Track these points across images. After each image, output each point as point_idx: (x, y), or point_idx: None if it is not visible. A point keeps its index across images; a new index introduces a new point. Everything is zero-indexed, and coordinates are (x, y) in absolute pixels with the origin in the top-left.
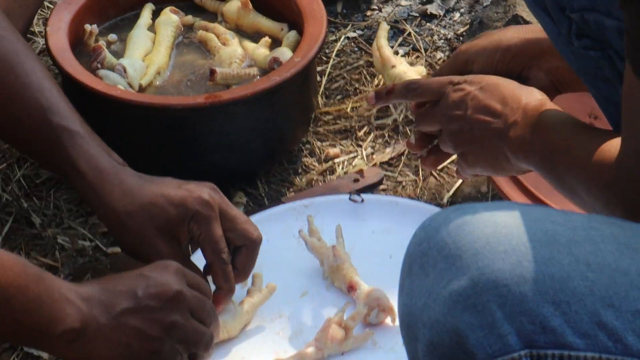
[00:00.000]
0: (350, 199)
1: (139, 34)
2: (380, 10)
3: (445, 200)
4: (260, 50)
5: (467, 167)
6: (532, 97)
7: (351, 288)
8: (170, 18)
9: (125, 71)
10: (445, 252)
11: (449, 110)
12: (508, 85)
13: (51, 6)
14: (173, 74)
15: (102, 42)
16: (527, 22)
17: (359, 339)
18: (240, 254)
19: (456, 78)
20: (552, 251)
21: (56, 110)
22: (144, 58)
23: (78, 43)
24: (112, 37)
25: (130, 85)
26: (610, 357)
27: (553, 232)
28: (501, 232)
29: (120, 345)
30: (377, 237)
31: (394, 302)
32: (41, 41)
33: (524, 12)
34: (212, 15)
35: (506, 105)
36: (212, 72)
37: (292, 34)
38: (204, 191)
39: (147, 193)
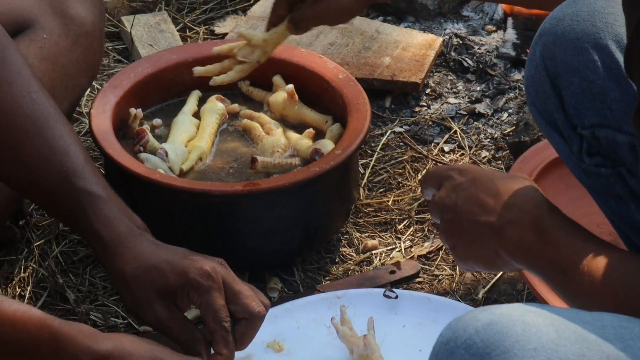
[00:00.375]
0: (384, 294)
1: (183, 120)
2: (428, 107)
3: (480, 295)
4: (304, 141)
5: (460, 261)
6: (529, 194)
7: None
8: (216, 105)
9: (167, 155)
10: (473, 350)
11: (441, 200)
12: (501, 179)
13: (99, 87)
14: (215, 160)
15: (146, 126)
16: None
17: None
18: (240, 325)
19: (454, 167)
20: (582, 348)
21: (80, 174)
22: (187, 143)
23: (122, 126)
24: (157, 121)
25: (171, 169)
26: None
27: (582, 330)
28: (530, 330)
29: None
30: (407, 331)
31: None
32: (87, 122)
33: None
34: (258, 104)
35: (499, 200)
36: (254, 160)
37: (336, 127)
38: (208, 263)
39: (154, 259)
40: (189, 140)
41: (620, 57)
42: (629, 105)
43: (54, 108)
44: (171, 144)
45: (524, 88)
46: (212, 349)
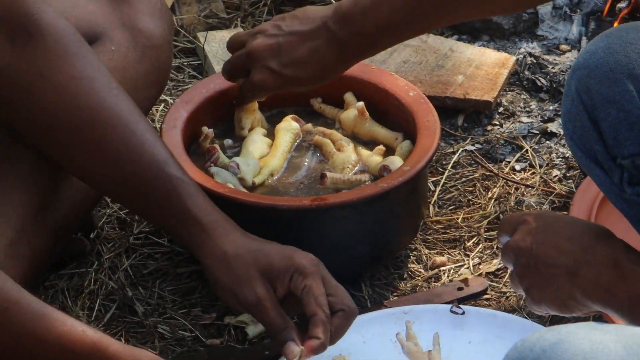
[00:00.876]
0: (451, 310)
1: (255, 139)
2: (501, 125)
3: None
4: (374, 157)
5: (533, 304)
6: (604, 236)
7: None
8: (291, 125)
9: (238, 167)
10: None
11: (516, 243)
12: (577, 223)
13: (172, 102)
14: (286, 176)
15: (216, 145)
16: None
17: None
18: (337, 317)
19: (530, 212)
20: None
21: (171, 163)
22: (260, 160)
23: (192, 141)
24: (228, 142)
25: (243, 181)
26: None
27: None
28: (598, 347)
29: None
30: (473, 348)
31: None
32: None
33: None
34: (330, 122)
35: (574, 243)
36: (323, 176)
37: (406, 144)
38: (308, 254)
39: (256, 243)
40: (261, 158)
41: None
42: None
43: (134, 104)
44: (244, 157)
45: (562, 124)
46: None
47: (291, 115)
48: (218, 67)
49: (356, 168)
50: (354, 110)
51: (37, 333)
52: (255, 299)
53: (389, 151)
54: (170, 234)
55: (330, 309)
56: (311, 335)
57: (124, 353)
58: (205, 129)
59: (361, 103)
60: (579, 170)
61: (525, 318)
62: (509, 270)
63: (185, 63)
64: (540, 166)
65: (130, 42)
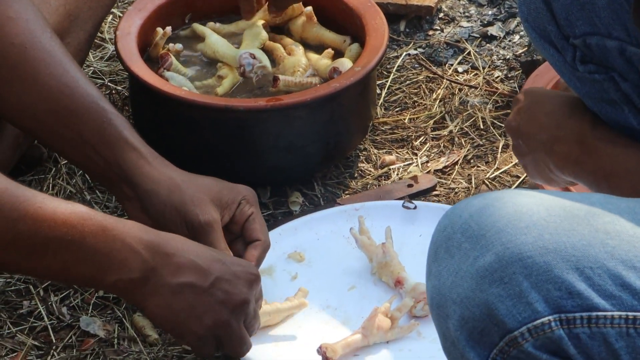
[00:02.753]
0: (403, 205)
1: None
2: (442, 30)
3: None
4: (323, 61)
5: (530, 177)
6: (576, 110)
7: (398, 282)
8: (261, 34)
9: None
10: (469, 233)
11: (509, 123)
12: (556, 96)
13: (121, 15)
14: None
15: (169, 51)
16: None
17: (405, 329)
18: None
19: (523, 90)
20: (572, 223)
21: (105, 100)
22: (223, 68)
23: (145, 48)
24: (179, 46)
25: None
26: (637, 315)
27: (571, 207)
28: (521, 210)
29: (171, 310)
30: (424, 240)
31: None
32: (110, 47)
33: None
34: (279, 30)
35: (551, 118)
36: (275, 79)
37: (355, 47)
38: (250, 188)
39: (199, 177)
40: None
41: None
42: (616, 12)
43: (66, 50)
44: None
45: (517, 6)
46: None
47: (261, 22)
48: None
49: (307, 72)
50: (302, 17)
51: (31, 213)
52: (208, 219)
53: (338, 54)
54: (101, 175)
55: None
56: (249, 256)
57: (113, 219)
58: (160, 29)
59: (309, 8)
60: (520, 71)
61: None
62: None
63: None
64: (483, 68)
65: None
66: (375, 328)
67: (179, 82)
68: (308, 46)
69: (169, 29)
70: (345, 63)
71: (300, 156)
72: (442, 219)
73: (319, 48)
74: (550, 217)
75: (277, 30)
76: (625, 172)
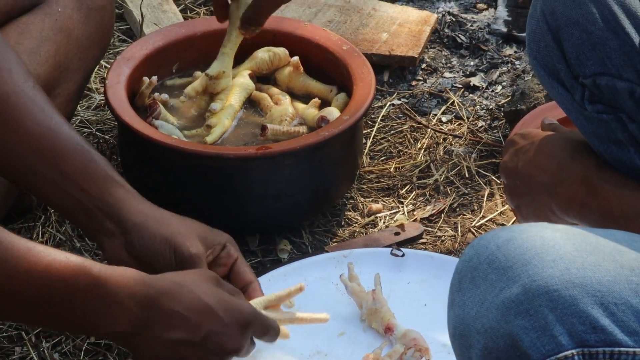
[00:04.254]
0: (391, 253)
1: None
2: (425, 80)
3: None
4: (310, 110)
5: (523, 220)
6: (579, 153)
7: (388, 329)
8: (247, 83)
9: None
10: (496, 264)
11: (505, 164)
12: (556, 138)
13: (108, 66)
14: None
15: (157, 100)
16: None
17: None
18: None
19: (519, 132)
20: (598, 259)
21: (89, 144)
22: (213, 116)
23: (134, 96)
24: (165, 96)
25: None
26: None
27: (597, 243)
28: (549, 244)
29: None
30: (412, 287)
31: (429, 343)
32: (97, 97)
33: None
34: (265, 80)
35: (552, 160)
36: (264, 128)
37: (342, 96)
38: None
39: (186, 217)
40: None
41: (616, 8)
42: (627, 54)
43: (47, 97)
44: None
45: (526, 44)
46: None
47: (248, 72)
48: (148, 30)
49: (294, 121)
50: (289, 67)
51: (25, 268)
52: (197, 252)
53: (324, 104)
54: (83, 214)
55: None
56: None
57: (109, 270)
58: (146, 79)
59: (296, 58)
60: (503, 121)
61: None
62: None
63: (115, 27)
64: (467, 118)
65: (75, 4)
66: None
67: (168, 130)
68: (294, 96)
69: (154, 78)
70: (333, 112)
71: (288, 204)
72: (468, 249)
73: (305, 97)
74: (577, 251)
75: (264, 80)
76: (636, 215)
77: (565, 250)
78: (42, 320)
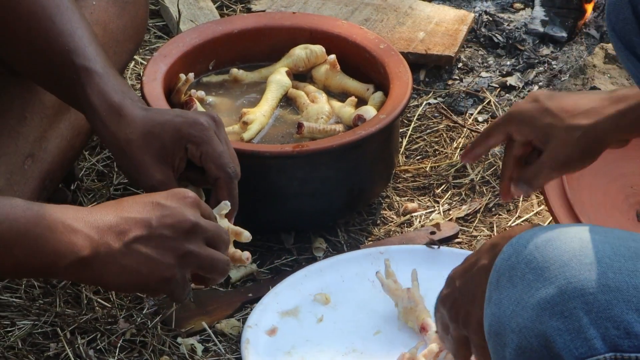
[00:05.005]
0: (427, 244)
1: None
2: (461, 80)
3: None
4: (346, 108)
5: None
6: None
7: (423, 329)
8: (284, 80)
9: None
10: (534, 264)
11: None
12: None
13: (144, 62)
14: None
15: (193, 96)
16: None
17: None
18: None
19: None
20: (636, 264)
21: (81, 52)
22: (249, 112)
23: (170, 93)
24: (201, 93)
25: None
26: None
27: (636, 248)
28: (587, 246)
29: (131, 271)
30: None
31: None
32: None
33: (602, 84)
34: (302, 78)
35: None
36: (300, 126)
37: (378, 95)
38: (200, 117)
39: (147, 122)
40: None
41: None
42: None
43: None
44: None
45: (605, 14)
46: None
47: (285, 69)
48: (185, 27)
49: (331, 120)
50: (325, 65)
51: None
52: (150, 185)
53: (361, 102)
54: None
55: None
56: (219, 199)
57: (49, 205)
58: (183, 75)
59: (333, 56)
60: None
61: None
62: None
63: (151, 24)
64: None
65: None
66: None
67: None
68: (331, 94)
69: (191, 75)
70: (369, 111)
71: (324, 202)
72: (507, 247)
73: (341, 96)
74: (615, 256)
75: (301, 77)
76: None
77: (604, 254)
78: (4, 266)
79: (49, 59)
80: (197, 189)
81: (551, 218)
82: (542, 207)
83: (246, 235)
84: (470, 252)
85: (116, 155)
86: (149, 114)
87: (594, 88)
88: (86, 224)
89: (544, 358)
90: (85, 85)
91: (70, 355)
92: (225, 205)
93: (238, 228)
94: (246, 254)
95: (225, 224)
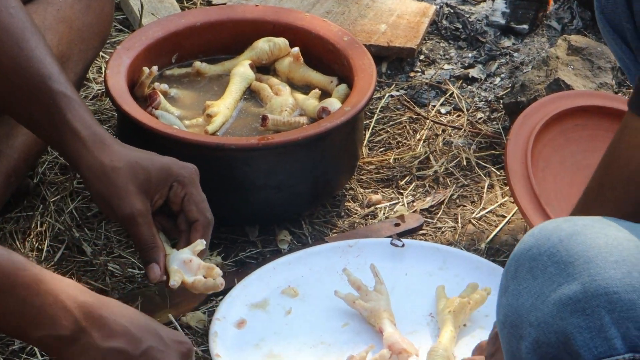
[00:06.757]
0: (391, 243)
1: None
2: (423, 72)
3: (483, 246)
4: (310, 101)
5: None
6: None
7: (380, 331)
8: (247, 73)
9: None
10: (557, 258)
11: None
12: None
13: (105, 56)
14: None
15: (157, 90)
16: (567, 86)
17: None
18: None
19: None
20: None
21: (56, 78)
22: (212, 105)
23: (133, 87)
24: (165, 86)
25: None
26: None
27: None
28: (612, 243)
29: None
30: (415, 279)
31: (415, 341)
32: (95, 87)
33: (566, 75)
34: (265, 71)
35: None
36: (264, 118)
37: (342, 87)
38: (189, 164)
39: (135, 155)
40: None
41: None
42: None
43: (31, 22)
44: None
45: None
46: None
47: (248, 62)
48: (146, 21)
49: (295, 112)
50: (288, 57)
51: None
52: (129, 213)
53: (324, 95)
54: (56, 150)
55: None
56: (192, 240)
57: (48, 273)
58: (146, 69)
59: (296, 49)
60: (502, 112)
61: (462, 250)
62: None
63: None
64: (467, 109)
65: None
66: None
67: (168, 120)
68: (294, 86)
69: (154, 68)
70: (334, 103)
71: (289, 195)
72: (528, 237)
73: (305, 88)
74: None
75: (264, 70)
76: None
77: (629, 253)
78: None
79: (19, 85)
80: (165, 237)
81: (516, 209)
82: (507, 198)
83: (217, 272)
84: (437, 245)
85: (97, 180)
86: (132, 149)
87: (557, 80)
88: (80, 307)
89: (561, 354)
90: (64, 110)
91: (36, 348)
92: (201, 244)
93: (211, 264)
94: (220, 280)
95: (197, 261)
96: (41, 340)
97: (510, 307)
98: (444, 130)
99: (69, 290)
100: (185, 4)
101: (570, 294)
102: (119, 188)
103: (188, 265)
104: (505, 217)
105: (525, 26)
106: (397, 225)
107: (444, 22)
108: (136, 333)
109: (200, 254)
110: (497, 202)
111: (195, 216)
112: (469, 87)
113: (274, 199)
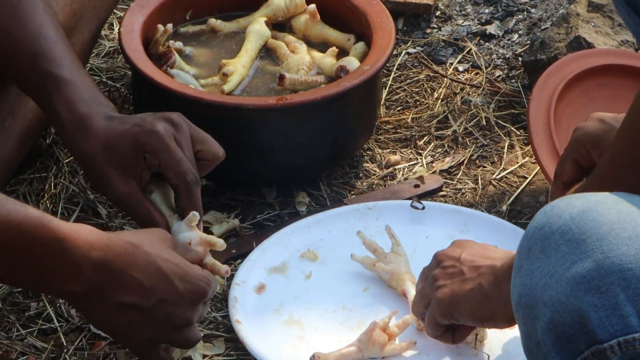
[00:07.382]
0: (411, 205)
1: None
2: (439, 28)
3: (504, 208)
4: (328, 59)
5: (438, 304)
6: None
7: (403, 294)
8: (263, 30)
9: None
10: (569, 236)
11: (445, 252)
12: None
13: (119, 13)
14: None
15: (172, 48)
16: (588, 43)
17: (402, 347)
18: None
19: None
20: None
21: (47, 56)
22: (228, 62)
23: (147, 44)
24: (179, 44)
25: None
26: None
27: None
28: (625, 219)
29: (110, 324)
30: (436, 242)
31: None
32: (107, 44)
33: (586, 33)
34: (281, 28)
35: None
36: (282, 77)
37: (360, 45)
38: (158, 124)
39: (109, 134)
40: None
41: None
42: None
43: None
44: None
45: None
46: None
47: (264, 19)
48: None
49: (312, 71)
50: (305, 14)
51: None
52: (116, 197)
53: (342, 53)
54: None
55: (204, 157)
56: (182, 208)
57: (66, 227)
58: (161, 26)
59: (312, 5)
60: (521, 70)
61: (483, 212)
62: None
63: None
64: (486, 67)
65: None
66: (371, 343)
67: (184, 79)
68: (311, 44)
69: (169, 26)
70: (352, 62)
71: (307, 156)
72: (540, 215)
73: (322, 46)
74: None
75: (280, 27)
76: None
77: None
78: None
79: (14, 62)
80: (167, 206)
81: (537, 169)
82: (527, 158)
83: (220, 244)
84: (457, 207)
85: (83, 168)
86: (112, 124)
87: (578, 37)
88: (93, 266)
89: (577, 334)
90: (51, 94)
91: (52, 314)
92: (195, 217)
93: (212, 237)
94: (225, 268)
95: (196, 234)
96: (58, 294)
97: (524, 287)
98: (462, 89)
99: (84, 248)
100: None
101: (584, 272)
102: (99, 175)
103: (189, 249)
104: (526, 178)
105: None
106: (416, 186)
107: None
108: (148, 285)
109: (199, 225)
110: (517, 162)
111: (175, 182)
112: (487, 44)
113: (292, 161)
